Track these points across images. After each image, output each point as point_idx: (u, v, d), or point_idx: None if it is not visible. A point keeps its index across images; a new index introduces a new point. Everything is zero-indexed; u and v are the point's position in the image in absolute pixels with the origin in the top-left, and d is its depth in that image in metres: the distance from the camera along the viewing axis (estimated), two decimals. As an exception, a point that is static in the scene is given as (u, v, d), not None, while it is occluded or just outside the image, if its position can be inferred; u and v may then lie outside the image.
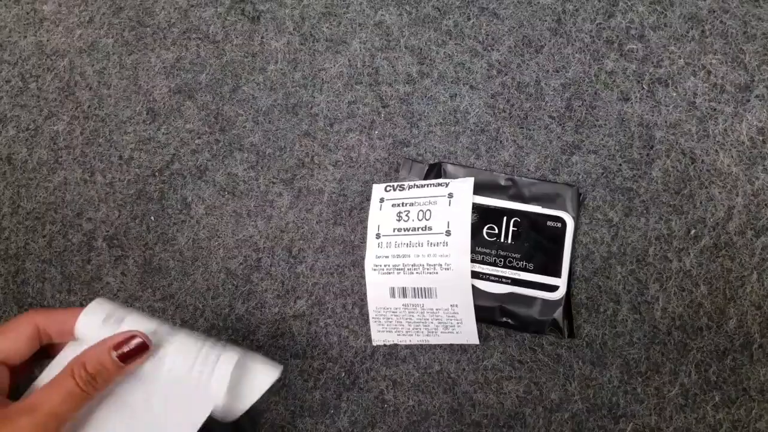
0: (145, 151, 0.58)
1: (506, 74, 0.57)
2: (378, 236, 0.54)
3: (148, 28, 0.60)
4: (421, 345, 0.54)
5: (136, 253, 0.57)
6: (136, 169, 0.58)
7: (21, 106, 0.60)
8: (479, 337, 0.53)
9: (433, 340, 0.54)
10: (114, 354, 0.34)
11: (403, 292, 0.53)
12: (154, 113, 0.59)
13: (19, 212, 0.58)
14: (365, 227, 0.55)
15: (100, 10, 0.61)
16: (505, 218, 0.53)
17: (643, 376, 0.53)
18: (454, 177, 0.55)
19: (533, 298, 0.52)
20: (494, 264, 0.53)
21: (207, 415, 0.36)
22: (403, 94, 0.57)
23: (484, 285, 0.52)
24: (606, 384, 0.53)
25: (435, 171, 0.55)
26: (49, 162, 0.59)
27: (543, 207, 0.53)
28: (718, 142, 0.54)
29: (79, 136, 0.59)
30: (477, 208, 0.53)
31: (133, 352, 0.35)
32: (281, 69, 0.59)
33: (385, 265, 0.53)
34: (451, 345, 0.54)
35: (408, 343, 0.54)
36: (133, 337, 0.35)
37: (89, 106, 0.59)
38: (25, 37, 0.61)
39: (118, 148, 0.59)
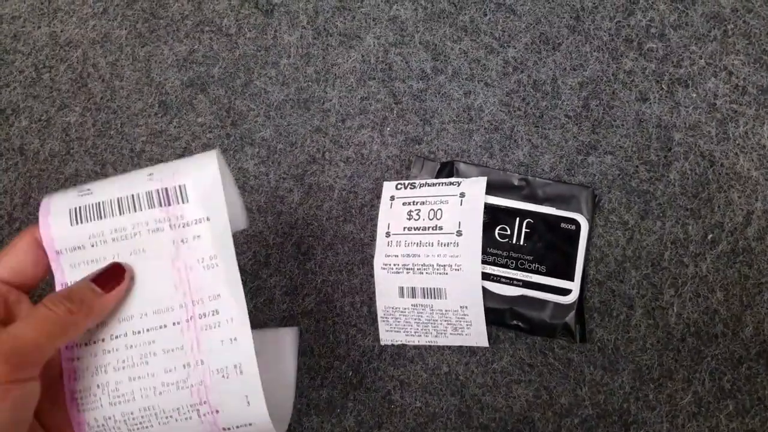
0: (156, 144, 0.58)
1: (522, 72, 0.56)
2: (388, 235, 0.53)
3: (161, 20, 0.60)
4: (430, 346, 0.54)
5: (145, 246, 0.57)
6: (147, 162, 0.58)
7: (34, 96, 0.60)
8: (489, 340, 0.52)
9: (441, 342, 0.53)
10: (90, 282, 0.32)
11: (412, 292, 0.52)
12: (166, 106, 0.59)
13: (30, 203, 0.58)
14: (375, 225, 0.54)
15: (113, 2, 0.60)
16: (517, 219, 0.52)
17: (656, 382, 0.52)
18: (467, 176, 0.54)
19: (545, 302, 0.51)
20: (506, 266, 0.52)
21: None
22: (417, 90, 0.56)
23: (494, 287, 0.52)
24: (617, 390, 0.52)
25: (447, 169, 0.54)
26: (61, 153, 0.59)
27: (557, 208, 0.52)
28: (738, 145, 0.53)
29: (91, 128, 0.59)
30: (489, 209, 0.52)
31: (108, 277, 0.32)
32: (294, 63, 0.58)
33: (394, 264, 0.52)
34: (460, 347, 0.53)
35: (416, 343, 0.53)
36: (108, 267, 0.32)
37: (101, 98, 0.59)
38: (39, 27, 0.61)
39: (130, 141, 0.58)
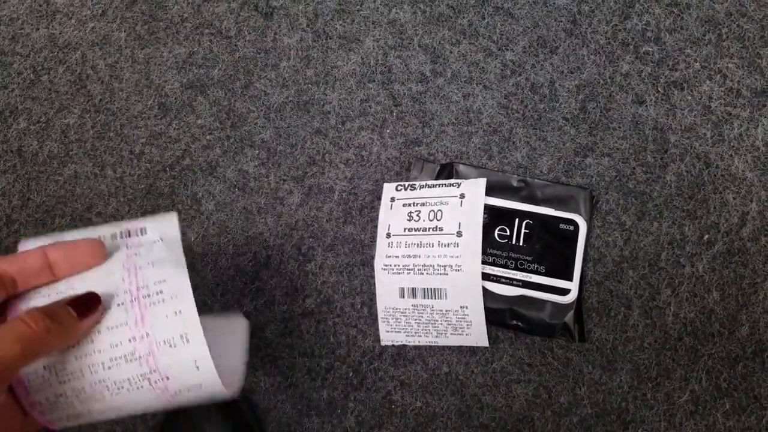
0: (156, 146, 0.58)
1: (520, 75, 0.56)
2: (388, 236, 0.53)
3: (160, 23, 0.60)
4: (430, 346, 0.54)
5: (145, 248, 0.57)
6: (147, 164, 0.58)
7: (32, 98, 0.60)
8: (489, 340, 0.52)
9: (442, 342, 0.53)
10: (67, 306, 0.31)
11: (413, 293, 0.52)
12: (165, 108, 0.59)
13: (28, 205, 0.58)
14: (375, 226, 0.55)
15: (113, 4, 0.60)
16: (517, 220, 0.53)
17: (654, 381, 0.52)
18: (466, 177, 0.54)
19: (544, 302, 0.52)
20: (505, 266, 0.52)
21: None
22: (416, 93, 0.57)
23: (494, 287, 0.52)
24: (616, 389, 0.52)
25: (447, 171, 0.55)
26: (60, 155, 0.59)
27: (555, 209, 0.53)
28: (733, 147, 0.54)
29: (90, 130, 0.59)
30: (489, 209, 0.53)
31: (83, 304, 0.32)
32: (294, 66, 0.58)
33: (395, 265, 0.53)
34: (460, 347, 0.54)
35: (416, 344, 0.54)
36: (85, 295, 0.33)
37: (101, 100, 0.59)
38: (38, 29, 0.61)
39: (129, 143, 0.58)
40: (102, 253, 0.35)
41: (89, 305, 0.32)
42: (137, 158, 0.58)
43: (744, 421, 0.51)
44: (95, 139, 0.59)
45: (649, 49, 0.56)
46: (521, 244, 0.52)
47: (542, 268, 0.52)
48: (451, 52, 0.57)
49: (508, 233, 0.53)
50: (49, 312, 0.30)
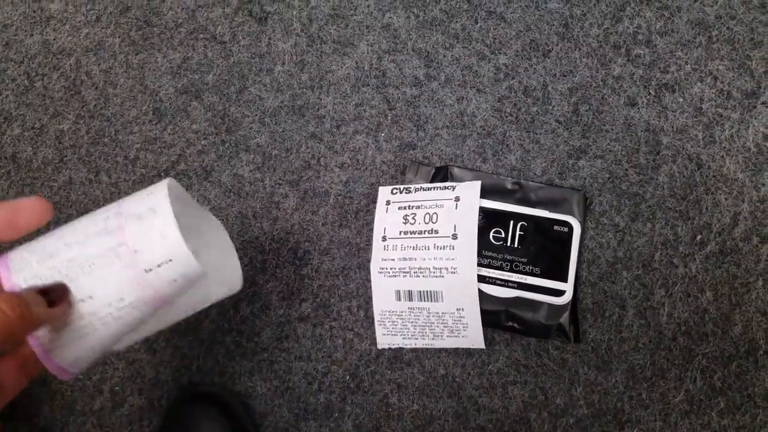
0: (150, 152, 0.58)
1: (513, 78, 0.57)
2: (384, 239, 0.53)
3: (155, 28, 0.60)
4: (427, 349, 0.54)
5: (140, 253, 0.57)
6: (142, 170, 0.58)
7: (26, 104, 0.60)
8: (485, 342, 0.53)
9: (438, 344, 0.53)
10: (38, 294, 0.31)
11: (409, 296, 0.53)
12: (160, 113, 0.59)
13: (23, 211, 0.58)
14: (371, 230, 0.55)
15: (107, 10, 0.61)
16: (511, 222, 0.53)
17: (649, 381, 0.53)
18: (461, 180, 0.55)
19: (539, 303, 0.52)
20: (500, 268, 0.53)
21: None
22: (410, 96, 0.57)
23: (490, 289, 0.52)
24: (611, 389, 0.53)
25: (442, 174, 0.55)
26: (54, 161, 0.59)
27: (550, 211, 0.53)
28: (724, 148, 0.55)
29: (84, 136, 0.59)
30: (483, 212, 0.53)
31: (53, 294, 0.32)
32: (288, 70, 0.58)
33: (391, 268, 0.53)
34: (457, 349, 0.54)
35: (413, 346, 0.54)
36: (55, 285, 0.32)
37: (95, 106, 0.59)
38: (32, 35, 0.61)
39: (124, 148, 0.58)
40: (48, 208, 0.34)
41: (60, 294, 0.32)
42: (132, 164, 0.58)
43: (738, 419, 0.52)
44: (90, 144, 0.59)
45: (641, 51, 0.56)
46: (516, 246, 0.53)
47: (537, 270, 0.52)
48: (444, 56, 0.58)
49: (503, 235, 0.53)
50: (25, 299, 0.30)
